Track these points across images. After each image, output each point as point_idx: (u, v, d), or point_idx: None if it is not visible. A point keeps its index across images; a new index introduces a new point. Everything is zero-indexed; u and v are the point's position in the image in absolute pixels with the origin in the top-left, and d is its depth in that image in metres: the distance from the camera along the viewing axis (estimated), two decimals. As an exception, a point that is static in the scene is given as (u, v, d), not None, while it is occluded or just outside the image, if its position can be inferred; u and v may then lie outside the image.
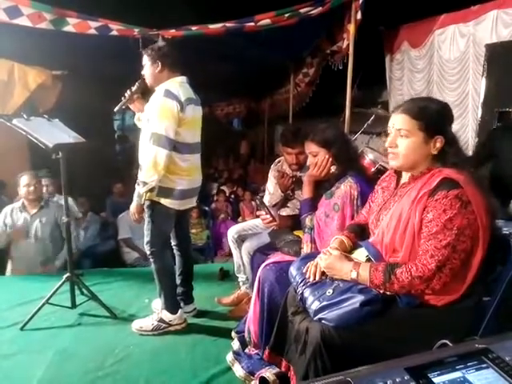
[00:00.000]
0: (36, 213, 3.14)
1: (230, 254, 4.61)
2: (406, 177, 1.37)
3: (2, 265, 3.21)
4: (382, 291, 1.24)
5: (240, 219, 5.40)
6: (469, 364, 0.81)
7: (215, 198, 5.75)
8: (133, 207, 2.13)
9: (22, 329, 2.25)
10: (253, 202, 5.57)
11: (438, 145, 1.28)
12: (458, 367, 0.80)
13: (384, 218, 1.35)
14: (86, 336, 2.22)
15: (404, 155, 1.30)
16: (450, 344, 0.97)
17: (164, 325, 2.21)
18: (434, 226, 1.19)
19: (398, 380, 0.76)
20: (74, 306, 2.43)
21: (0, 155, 4.22)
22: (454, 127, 1.43)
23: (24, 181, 3.08)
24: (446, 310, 1.22)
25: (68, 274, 2.40)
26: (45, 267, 3.15)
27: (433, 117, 1.29)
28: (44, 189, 3.58)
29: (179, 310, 2.26)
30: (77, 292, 2.50)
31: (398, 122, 1.31)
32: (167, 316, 2.22)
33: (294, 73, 5.43)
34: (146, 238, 2.18)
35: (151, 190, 2.04)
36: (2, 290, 2.84)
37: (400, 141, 1.31)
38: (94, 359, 1.98)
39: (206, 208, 5.12)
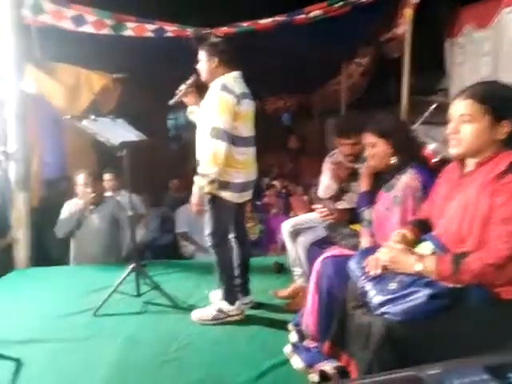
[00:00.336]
0: (93, 209, 3.32)
1: (283, 248, 4.66)
2: (470, 164, 1.31)
3: (66, 255, 3.42)
4: (450, 284, 1.19)
5: (292, 214, 5.39)
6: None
7: (267, 193, 5.79)
8: (193, 200, 2.20)
9: (94, 314, 2.43)
10: (305, 197, 5.53)
11: (506, 129, 1.20)
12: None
13: (449, 208, 1.30)
14: (151, 323, 2.35)
15: (467, 142, 1.24)
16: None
17: (223, 315, 2.28)
18: (505, 210, 1.13)
19: (476, 379, 0.73)
20: (139, 294, 2.58)
21: (69, 154, 4.58)
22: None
23: (81, 179, 3.28)
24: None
25: (134, 265, 2.55)
26: (102, 259, 3.33)
27: (499, 100, 1.22)
28: (106, 184, 3.82)
29: (237, 302, 2.32)
30: (141, 282, 2.64)
31: (461, 107, 1.25)
32: (226, 307, 2.29)
33: (347, 63, 5.29)
34: (207, 231, 2.26)
35: (212, 183, 2.11)
36: (74, 278, 3.08)
37: (463, 126, 1.24)
38: (160, 345, 2.09)
39: (258, 202, 5.17)
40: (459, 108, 1.26)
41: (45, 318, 2.43)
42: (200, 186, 2.14)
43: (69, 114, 3.17)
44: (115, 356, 2.01)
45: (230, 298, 2.30)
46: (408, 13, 3.22)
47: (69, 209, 3.38)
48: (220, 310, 2.29)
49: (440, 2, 3.77)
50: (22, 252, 3.36)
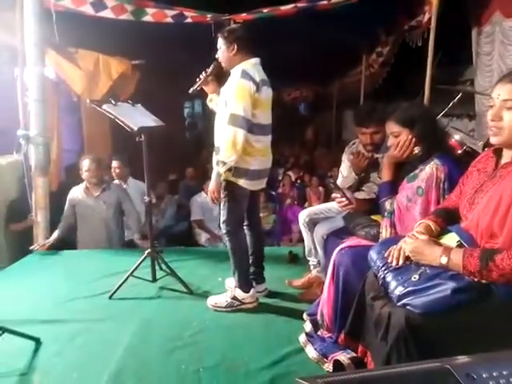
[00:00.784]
0: (99, 195, 3.33)
1: (297, 240, 4.65)
2: (508, 156, 1.24)
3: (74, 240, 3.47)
4: (476, 279, 1.15)
5: (307, 205, 5.36)
6: None
7: (281, 183, 5.77)
8: (212, 187, 2.20)
9: (110, 298, 2.47)
10: (320, 188, 5.49)
11: None
12: None
13: (480, 201, 1.24)
14: (166, 308, 2.37)
15: (510, 130, 1.17)
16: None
17: (237, 302, 2.29)
18: None
19: (505, 373, 0.70)
20: (154, 279, 2.61)
21: (87, 141, 4.63)
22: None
23: (85, 165, 3.28)
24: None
25: (149, 250, 2.57)
26: (106, 245, 3.37)
27: None
28: (113, 171, 3.84)
29: (252, 289, 2.32)
30: (156, 267, 2.67)
31: (506, 92, 1.16)
32: (240, 294, 2.29)
33: (367, 53, 5.18)
34: (222, 218, 2.26)
35: (229, 170, 2.10)
36: (91, 262, 3.12)
37: (506, 113, 1.16)
38: (174, 330, 2.11)
39: (273, 192, 5.15)
40: (502, 93, 1.17)
41: (62, 299, 2.48)
42: (218, 173, 2.13)
43: (88, 99, 3.19)
44: (131, 338, 2.03)
45: (244, 285, 2.30)
46: (435, 0, 3.11)
47: (72, 197, 3.39)
48: (234, 298, 2.29)
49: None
50: (40, 235, 3.43)
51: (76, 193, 3.39)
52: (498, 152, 1.30)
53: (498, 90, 1.20)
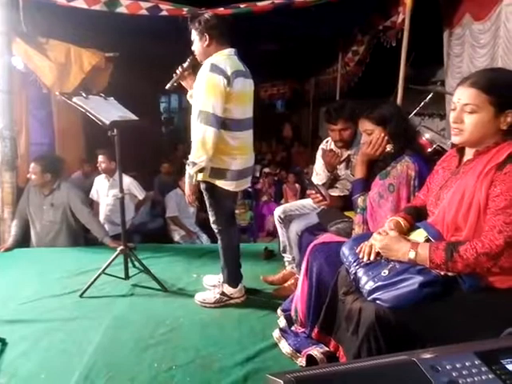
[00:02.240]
0: (48, 195, 3.21)
1: (273, 235, 4.67)
2: (469, 153, 1.29)
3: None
4: (443, 272, 1.19)
5: (283, 201, 5.40)
6: (547, 353, 0.75)
7: (260, 180, 5.78)
8: (186, 189, 2.15)
9: (81, 296, 2.40)
10: (296, 185, 5.53)
11: (509, 119, 1.19)
12: (534, 356, 0.75)
13: (445, 196, 1.29)
14: (139, 306, 2.33)
15: (469, 131, 1.22)
16: (521, 332, 0.91)
17: (225, 298, 2.28)
18: (502, 200, 1.12)
19: (467, 364, 0.72)
20: (127, 277, 2.55)
21: (57, 134, 4.48)
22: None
23: (30, 168, 3.17)
24: (513, 293, 1.15)
25: (122, 247, 2.52)
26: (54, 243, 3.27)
27: (505, 90, 1.19)
28: (99, 165, 3.75)
29: (239, 284, 2.31)
30: (129, 265, 2.61)
31: (465, 96, 1.21)
32: (228, 289, 2.28)
33: (343, 51, 5.24)
34: (212, 218, 2.23)
35: (201, 171, 2.03)
36: (62, 260, 3.03)
37: (466, 116, 1.22)
38: (147, 328, 2.07)
39: (250, 189, 5.15)
40: (462, 97, 1.22)
41: (30, 298, 2.40)
42: (190, 174, 2.06)
43: (58, 91, 3.09)
44: (101, 338, 1.98)
45: (233, 281, 2.28)
46: (408, 1, 3.17)
47: (26, 195, 3.28)
48: (223, 293, 2.28)
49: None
50: (7, 232, 3.30)
51: (30, 188, 3.28)
52: (460, 150, 1.35)
53: (459, 94, 1.24)
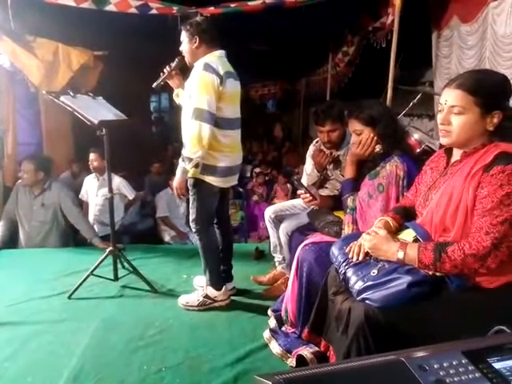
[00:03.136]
0: (38, 195, 3.18)
1: (264, 236, 4.67)
2: (457, 154, 1.30)
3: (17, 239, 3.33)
4: (431, 272, 1.20)
5: (274, 201, 5.39)
6: (532, 352, 0.76)
7: (254, 180, 5.77)
8: (177, 183, 2.15)
9: (69, 297, 2.37)
10: (288, 185, 5.54)
11: (496, 120, 1.20)
12: (520, 354, 0.76)
13: (433, 197, 1.30)
14: (128, 307, 2.31)
15: (457, 133, 1.23)
16: (508, 330, 0.92)
17: (209, 301, 2.26)
18: (489, 201, 1.13)
19: (454, 363, 0.73)
20: (116, 278, 2.53)
21: (46, 134, 4.41)
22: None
23: (23, 167, 3.13)
24: (500, 292, 1.17)
25: (111, 248, 2.50)
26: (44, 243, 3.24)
27: (490, 91, 1.20)
28: (90, 164, 3.71)
29: (223, 287, 2.30)
30: (118, 266, 2.59)
31: (452, 98, 1.22)
32: (212, 292, 2.26)
33: (333, 52, 5.26)
34: (192, 216, 2.21)
35: (196, 166, 2.06)
36: (50, 261, 2.99)
37: (454, 118, 1.23)
38: (136, 329, 2.06)
39: (241, 189, 5.14)
40: (449, 98, 1.23)
41: (17, 300, 2.36)
42: (184, 169, 2.08)
43: (46, 90, 3.04)
44: (90, 340, 1.96)
45: (216, 283, 2.27)
46: (398, 2, 3.20)
47: (15, 194, 3.24)
48: (206, 296, 2.26)
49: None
50: (-7, 233, 3.24)
51: (20, 188, 3.24)
52: (448, 151, 1.36)
53: (445, 95, 1.25)
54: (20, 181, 3.24)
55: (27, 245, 3.25)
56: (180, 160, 2.09)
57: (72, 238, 3.36)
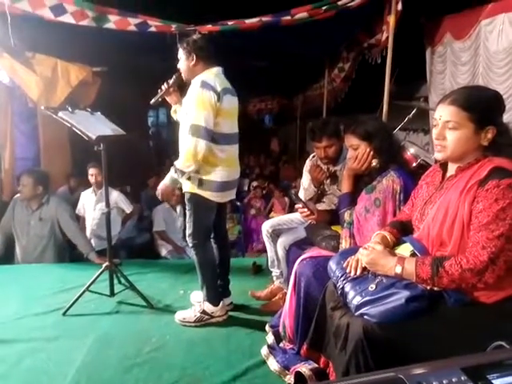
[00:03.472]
0: (36, 209, 3.17)
1: (261, 250, 4.65)
2: (452, 169, 1.31)
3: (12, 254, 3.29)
4: (429, 287, 1.20)
5: (271, 215, 5.39)
6: (531, 367, 0.75)
7: (252, 194, 5.77)
8: (162, 188, 2.18)
9: (64, 314, 2.34)
10: (285, 199, 5.54)
11: (489, 136, 1.22)
12: (519, 371, 0.75)
13: (429, 211, 1.30)
14: (124, 324, 2.28)
15: (452, 148, 1.25)
16: (507, 346, 0.91)
17: (206, 316, 2.23)
18: (485, 216, 1.13)
19: (454, 380, 0.72)
20: (112, 294, 2.50)
21: (43, 149, 4.42)
22: (503, 121, 1.34)
23: (22, 181, 3.13)
24: (499, 307, 1.16)
25: (107, 263, 2.47)
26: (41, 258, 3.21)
27: (484, 107, 1.22)
28: (90, 179, 3.72)
29: (221, 302, 2.27)
30: (115, 281, 2.56)
31: (446, 113, 1.24)
32: (209, 308, 2.24)
33: (329, 68, 5.33)
34: (189, 231, 2.21)
35: (188, 179, 2.09)
36: (45, 277, 2.96)
37: (448, 133, 1.25)
38: (132, 346, 2.03)
39: (238, 203, 5.14)
40: (444, 114, 1.25)
41: (11, 317, 2.33)
42: (173, 178, 2.12)
43: (44, 105, 3.06)
44: (84, 357, 1.93)
45: (213, 298, 2.25)
46: (392, 20, 3.27)
47: (12, 204, 3.23)
48: (203, 312, 2.24)
49: (422, 11, 3.85)
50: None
51: (17, 203, 3.22)
52: (444, 166, 1.37)
53: (440, 111, 1.27)
54: (18, 195, 3.23)
55: (24, 260, 3.22)
56: (172, 169, 2.11)
57: (68, 253, 3.33)
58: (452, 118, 1.23)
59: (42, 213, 3.17)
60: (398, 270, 1.24)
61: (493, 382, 0.72)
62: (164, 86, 2.30)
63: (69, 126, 2.27)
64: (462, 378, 0.73)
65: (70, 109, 2.37)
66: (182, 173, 2.05)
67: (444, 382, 0.72)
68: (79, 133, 2.25)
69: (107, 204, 2.49)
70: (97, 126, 2.39)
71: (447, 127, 1.24)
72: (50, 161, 4.38)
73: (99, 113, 2.58)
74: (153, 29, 3.56)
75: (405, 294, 1.19)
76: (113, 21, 3.49)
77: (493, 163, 1.19)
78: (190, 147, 2.01)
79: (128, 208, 3.84)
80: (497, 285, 1.15)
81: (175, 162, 2.09)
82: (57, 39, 3.70)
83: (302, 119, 8.07)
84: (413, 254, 1.30)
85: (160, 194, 2.21)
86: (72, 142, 4.52)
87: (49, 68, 3.87)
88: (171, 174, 2.12)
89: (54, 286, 2.75)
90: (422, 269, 1.19)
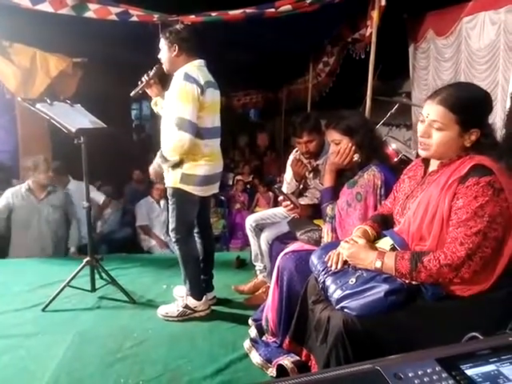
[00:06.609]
0: (44, 198, 3.16)
1: (245, 244, 4.66)
2: (434, 165, 1.33)
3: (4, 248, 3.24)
4: (407, 281, 1.22)
5: (256, 210, 5.40)
6: (503, 357, 0.77)
7: (234, 188, 5.77)
8: (152, 171, 2.20)
9: (43, 310, 2.30)
10: (270, 193, 5.55)
11: (473, 138, 1.23)
12: (491, 360, 0.77)
13: (411, 206, 1.32)
14: (106, 319, 2.25)
15: (436, 148, 1.26)
16: (480, 337, 0.94)
17: (189, 311, 2.23)
18: (464, 213, 1.16)
19: (429, 371, 0.74)
20: (93, 289, 2.47)
21: (22, 142, 4.31)
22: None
23: (36, 165, 3.11)
24: (474, 301, 1.19)
25: (88, 258, 2.44)
26: (51, 252, 3.20)
27: (471, 110, 1.23)
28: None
29: (204, 297, 2.27)
30: (96, 276, 2.53)
31: (434, 113, 1.24)
32: (192, 302, 2.23)
33: (314, 62, 5.34)
34: (171, 225, 2.19)
35: (173, 171, 2.10)
36: (24, 272, 2.90)
37: (434, 132, 1.25)
38: (113, 342, 2.01)
39: (222, 197, 5.13)
40: (431, 113, 1.25)
41: (-11, 313, 2.27)
42: (161, 164, 2.12)
43: (22, 97, 2.98)
44: (64, 353, 1.90)
45: (196, 293, 2.24)
46: (375, 15, 3.28)
47: (6, 199, 3.17)
48: (186, 306, 2.23)
49: (405, 7, 3.88)
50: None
51: (13, 196, 3.14)
52: (426, 161, 1.39)
53: (427, 109, 1.27)
54: (16, 186, 3.21)
55: (28, 253, 3.16)
56: (158, 153, 2.11)
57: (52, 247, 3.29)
58: (439, 118, 1.23)
59: (53, 200, 3.18)
60: (378, 264, 1.25)
61: (466, 371, 0.74)
62: (144, 78, 2.25)
63: (47, 118, 2.21)
64: (437, 369, 0.74)
65: (48, 100, 2.31)
66: (166, 160, 2.05)
67: (419, 372, 0.74)
68: (58, 125, 2.20)
69: (88, 198, 2.45)
70: (77, 119, 2.34)
71: (433, 126, 1.24)
72: (30, 154, 4.26)
73: (79, 105, 2.53)
74: (134, 18, 3.48)
75: (384, 287, 1.21)
76: (92, 9, 3.40)
77: (474, 160, 1.20)
78: (174, 141, 2.00)
79: (101, 198, 3.82)
80: (472, 280, 1.18)
81: (161, 149, 2.09)
82: (35, 28, 3.59)
83: (287, 113, 8.07)
84: (393, 248, 1.32)
85: (153, 175, 2.22)
86: (53, 134, 4.41)
87: (27, 58, 3.77)
88: (158, 158, 2.12)
89: (32, 281, 2.70)
90: (401, 263, 1.21)
